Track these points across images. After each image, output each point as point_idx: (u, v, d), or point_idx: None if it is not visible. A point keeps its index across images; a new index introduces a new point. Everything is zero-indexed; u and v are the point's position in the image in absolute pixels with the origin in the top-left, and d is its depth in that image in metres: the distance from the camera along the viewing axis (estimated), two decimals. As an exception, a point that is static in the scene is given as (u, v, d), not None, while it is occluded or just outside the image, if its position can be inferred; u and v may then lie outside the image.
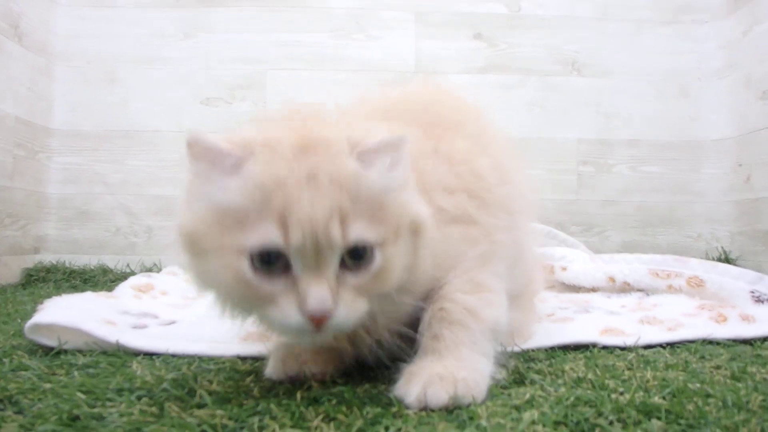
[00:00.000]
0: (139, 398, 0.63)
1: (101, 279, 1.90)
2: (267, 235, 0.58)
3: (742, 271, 1.28)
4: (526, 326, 0.99)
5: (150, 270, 2.00)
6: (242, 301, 0.64)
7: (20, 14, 1.97)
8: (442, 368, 0.64)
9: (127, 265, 2.06)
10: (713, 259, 2.14)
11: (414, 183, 0.69)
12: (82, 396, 0.62)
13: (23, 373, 0.73)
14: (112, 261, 2.09)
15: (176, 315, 1.02)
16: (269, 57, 2.21)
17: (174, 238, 0.65)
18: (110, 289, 1.78)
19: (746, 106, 2.14)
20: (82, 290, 1.77)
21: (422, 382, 0.62)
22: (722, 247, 2.23)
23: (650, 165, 2.29)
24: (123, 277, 1.93)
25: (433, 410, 0.61)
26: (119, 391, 0.65)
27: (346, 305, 0.60)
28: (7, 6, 1.91)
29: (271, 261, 0.59)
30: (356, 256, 0.61)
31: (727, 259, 2.17)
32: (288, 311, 0.59)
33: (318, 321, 0.59)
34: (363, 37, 2.24)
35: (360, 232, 0.60)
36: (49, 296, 1.62)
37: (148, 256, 2.11)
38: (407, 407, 0.61)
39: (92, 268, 2.01)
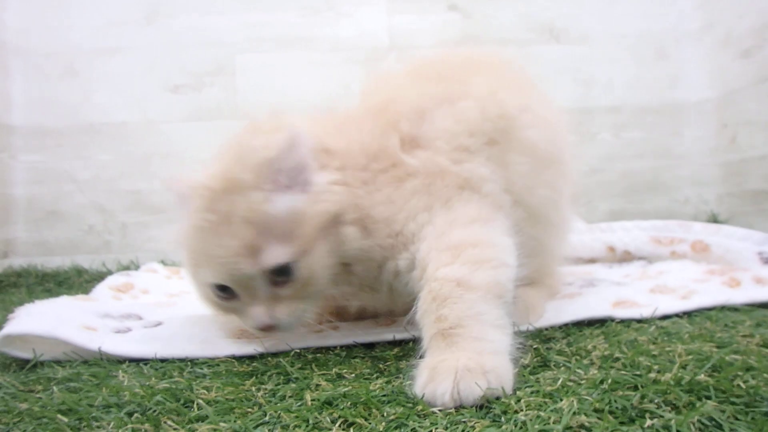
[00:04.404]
0: (129, 414, 0.56)
1: (77, 280, 1.79)
2: (205, 276, 0.73)
3: (748, 233, 1.24)
4: (539, 303, 0.95)
5: (127, 268, 1.90)
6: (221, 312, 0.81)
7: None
8: (466, 359, 0.58)
9: (103, 264, 1.96)
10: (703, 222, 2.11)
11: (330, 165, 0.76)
12: (64, 419, 0.55)
13: (-5, 392, 0.65)
14: (86, 261, 1.98)
15: (161, 315, 0.95)
16: (236, 40, 2.10)
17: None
18: (87, 290, 1.69)
19: (727, 65, 2.10)
20: (57, 293, 1.66)
21: (452, 378, 0.55)
22: (711, 210, 2.20)
23: (632, 131, 2.25)
24: (99, 277, 1.82)
25: (464, 407, 0.55)
26: (106, 408, 0.57)
27: (285, 313, 0.73)
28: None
29: (225, 289, 0.73)
30: (280, 273, 0.71)
31: (716, 222, 2.14)
32: (248, 322, 0.75)
33: (266, 329, 0.73)
34: (332, 14, 2.14)
35: (272, 257, 0.70)
36: (21, 302, 1.53)
37: (124, 254, 2.01)
38: (436, 406, 0.55)
39: (66, 269, 1.90)
